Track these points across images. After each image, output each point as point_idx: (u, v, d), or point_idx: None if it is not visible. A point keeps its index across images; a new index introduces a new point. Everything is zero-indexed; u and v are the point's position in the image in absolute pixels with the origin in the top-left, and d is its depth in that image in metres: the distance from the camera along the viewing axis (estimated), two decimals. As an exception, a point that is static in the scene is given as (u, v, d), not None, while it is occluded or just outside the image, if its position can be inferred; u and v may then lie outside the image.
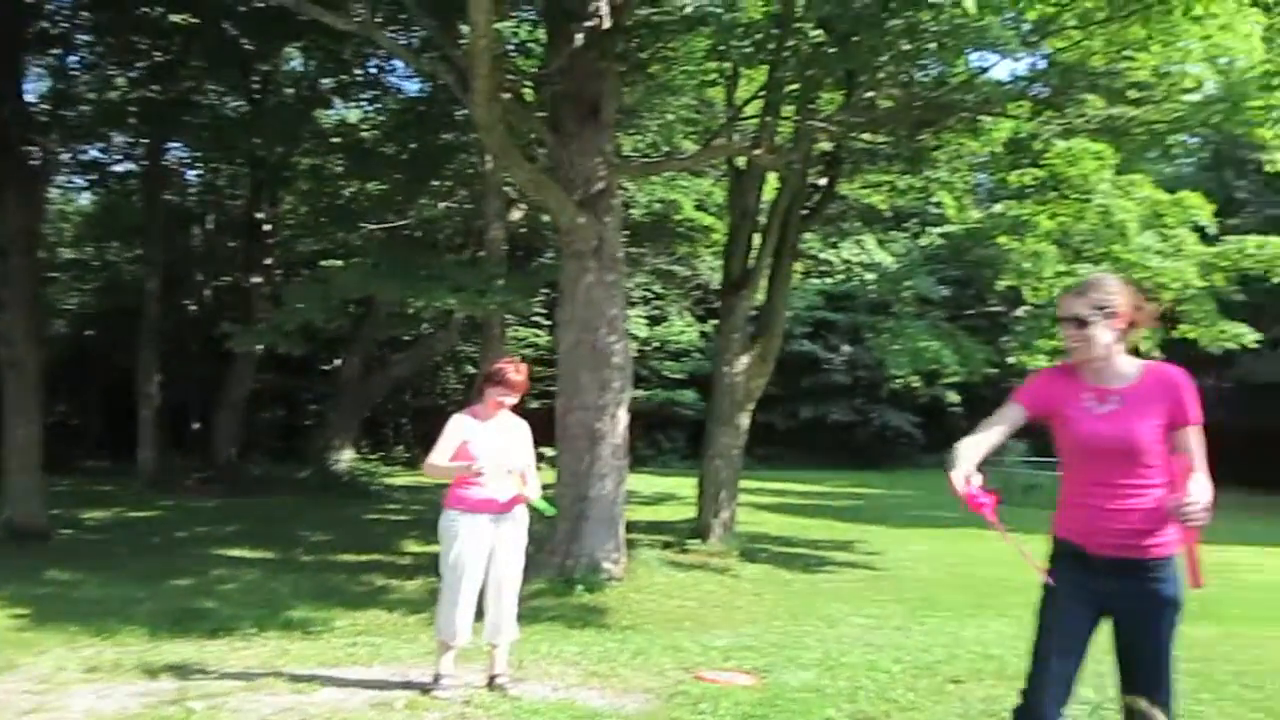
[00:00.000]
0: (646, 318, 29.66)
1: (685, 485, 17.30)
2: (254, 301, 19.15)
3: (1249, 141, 8.53)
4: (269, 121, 18.05)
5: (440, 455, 4.53)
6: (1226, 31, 7.47)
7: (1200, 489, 2.60)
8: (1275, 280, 11.63)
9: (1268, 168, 8.41)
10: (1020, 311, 12.97)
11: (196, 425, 23.78)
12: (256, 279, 19.77)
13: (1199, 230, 11.93)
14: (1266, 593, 10.51)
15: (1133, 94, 8.70)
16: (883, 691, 4.78)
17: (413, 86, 18.02)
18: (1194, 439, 2.73)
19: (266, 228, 20.24)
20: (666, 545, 11.98)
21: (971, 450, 2.74)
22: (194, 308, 25.01)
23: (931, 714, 4.37)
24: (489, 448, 4.56)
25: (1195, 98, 7.88)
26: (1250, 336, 11.84)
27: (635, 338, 27.06)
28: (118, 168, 20.82)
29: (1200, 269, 11.42)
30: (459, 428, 4.62)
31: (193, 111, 17.55)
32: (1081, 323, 2.77)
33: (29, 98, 14.58)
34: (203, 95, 17.86)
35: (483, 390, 4.73)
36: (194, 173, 23.60)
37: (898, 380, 13.19)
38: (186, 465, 19.72)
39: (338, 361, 22.95)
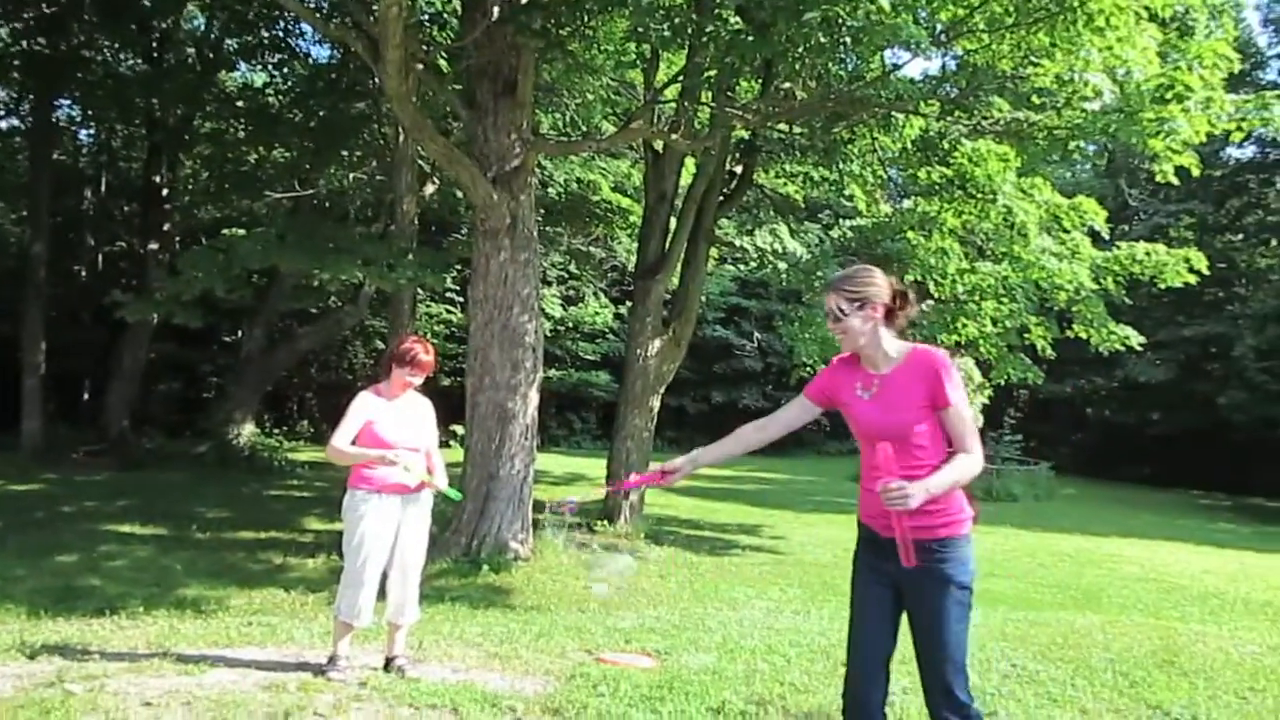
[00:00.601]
0: (561, 298, 29.60)
1: (596, 466, 17.35)
2: (150, 269, 18.32)
3: (1142, 151, 8.94)
4: (167, 82, 17.23)
5: (344, 437, 4.42)
6: (1125, 44, 7.82)
7: (956, 469, 2.69)
8: (1162, 286, 12.24)
9: (1158, 177, 8.83)
10: (925, 306, 13.38)
11: (86, 396, 22.72)
12: (153, 245, 18.90)
13: (1093, 235, 12.50)
14: (1146, 584, 11.11)
15: (1036, 99, 9.03)
16: (779, 674, 4.88)
17: (322, 52, 17.49)
18: (955, 420, 2.76)
19: (164, 192, 19.35)
20: (574, 526, 11.99)
21: (713, 448, 2.98)
22: (84, 274, 23.81)
23: (825, 696, 4.49)
24: (395, 430, 4.48)
25: (1094, 106, 8.21)
26: (1136, 339, 12.48)
27: (549, 318, 26.96)
28: (1, 123, 19.65)
29: (1093, 272, 11.97)
30: (364, 406, 4.52)
31: (84, 68, 16.65)
32: (838, 316, 2.87)
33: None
34: (96, 51, 16.96)
35: (390, 368, 4.62)
36: (86, 132, 22.46)
37: (806, 368, 13.42)
38: (75, 437, 18.78)
39: (239, 333, 22.20)
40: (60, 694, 3.90)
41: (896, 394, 2.80)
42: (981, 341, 12.38)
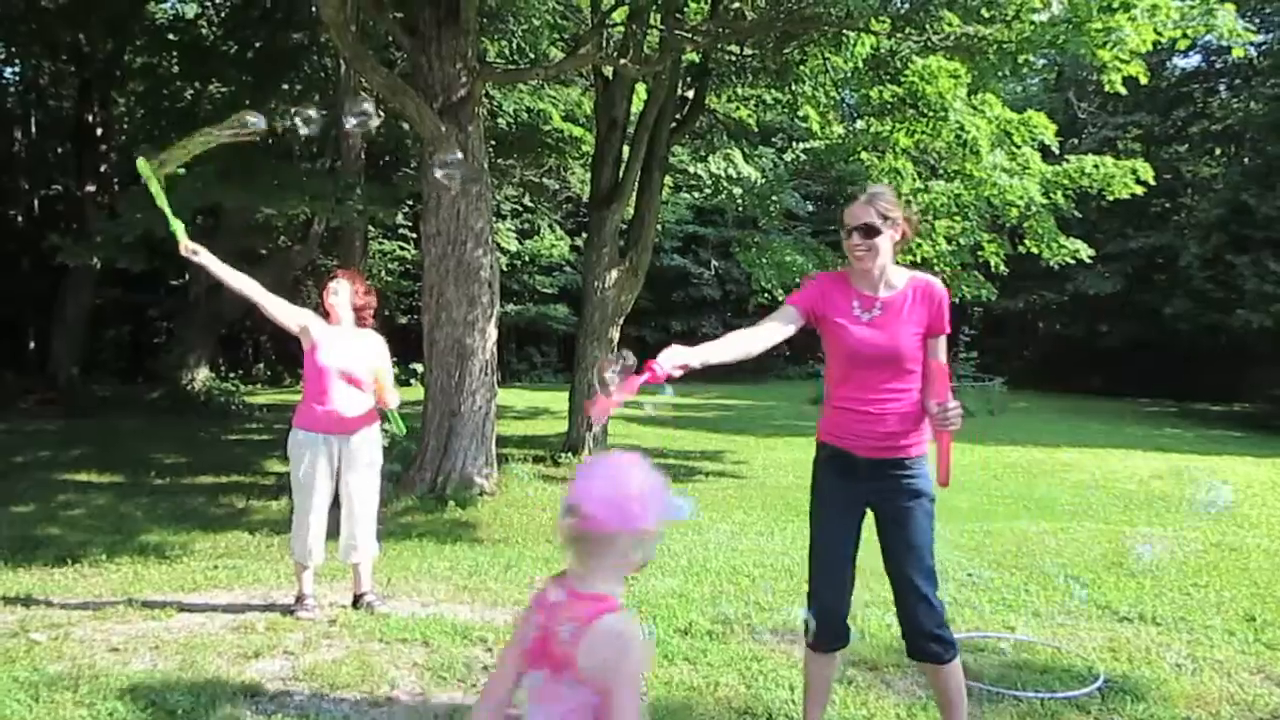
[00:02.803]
0: (516, 231, 29.22)
1: (558, 399, 17.38)
2: (88, 212, 17.74)
3: (1090, 63, 8.94)
4: (94, 14, 16.41)
5: (270, 299, 4.52)
6: (1073, -47, 7.76)
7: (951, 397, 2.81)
8: (1110, 198, 12.37)
9: (1107, 88, 8.86)
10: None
11: (32, 345, 22.15)
12: (90, 188, 18.27)
13: (1043, 149, 12.55)
14: (1096, 491, 11.45)
15: (986, 12, 8.94)
16: (744, 594, 5.01)
17: (257, -21, 16.72)
18: (943, 348, 2.90)
19: (99, 132, 18.62)
20: (539, 459, 12.06)
21: (709, 347, 2.76)
22: (20, 219, 22.98)
23: (788, 614, 4.62)
24: (335, 357, 4.45)
25: (1043, 18, 8.17)
26: (1085, 252, 12.65)
27: (505, 252, 26.64)
28: (-83, 61, 18.70)
29: (1043, 187, 12.05)
30: (307, 314, 4.61)
31: (5, 2, 15.81)
32: (872, 230, 2.84)
33: None
34: (15, -18, 16.11)
35: (360, 309, 4.64)
36: (11, 70, 21.43)
37: (765, 294, 13.45)
38: (22, 385, 18.37)
39: (186, 276, 21.68)
40: (25, 643, 3.89)
41: (898, 318, 2.84)
42: (936, 260, 12.47)
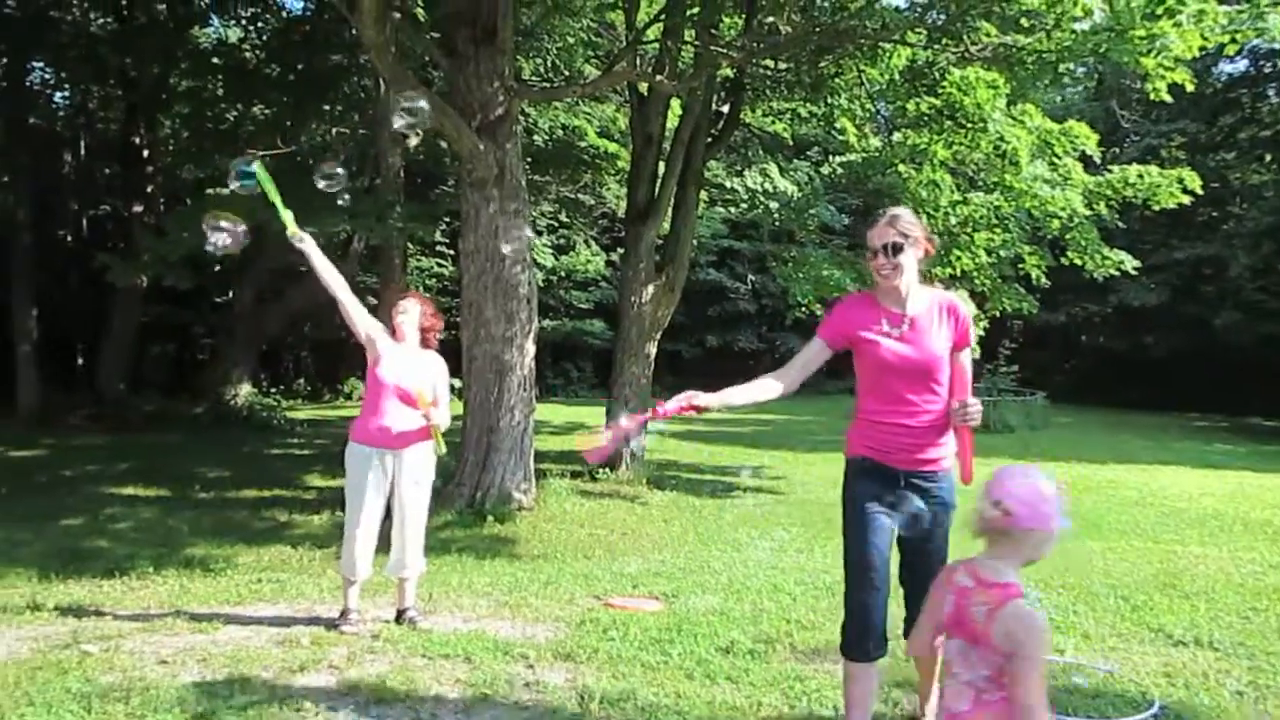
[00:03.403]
0: (552, 247, 29.38)
1: (595, 414, 17.41)
2: (136, 231, 18.15)
3: (1133, 71, 8.81)
4: (140, 40, 16.87)
5: (353, 301, 4.57)
6: (1115, -41, 7.66)
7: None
8: (1155, 208, 12.15)
9: (1151, 96, 8.71)
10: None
11: (80, 361, 22.65)
12: (137, 208, 18.69)
13: (1085, 159, 12.37)
14: (1144, 508, 11.22)
15: (1025, 21, 8.85)
16: (785, 612, 4.95)
17: (296, 3, 17.12)
18: (968, 361, 3.06)
19: (145, 153, 19.06)
20: (576, 475, 12.07)
21: (738, 390, 3.04)
22: (70, 239, 23.57)
23: (830, 633, 4.55)
24: (395, 374, 4.50)
25: (1084, 26, 8.07)
26: (1130, 263, 12.43)
27: (541, 267, 26.80)
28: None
29: (1085, 198, 11.87)
30: (381, 328, 4.63)
31: (55, 28, 16.28)
32: (896, 249, 2.94)
33: None
34: (65, 10, 16.58)
35: (425, 330, 4.69)
36: (61, 95, 22.03)
37: (801, 308, 13.38)
38: (71, 402, 18.79)
39: (230, 294, 22.07)
40: (77, 654, 3.95)
41: (926, 333, 2.97)
42: (976, 273, 12.33)
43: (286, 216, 4.41)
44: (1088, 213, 11.73)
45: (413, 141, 16.22)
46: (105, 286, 17.51)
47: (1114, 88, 30.79)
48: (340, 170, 5.03)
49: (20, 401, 17.67)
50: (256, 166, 4.38)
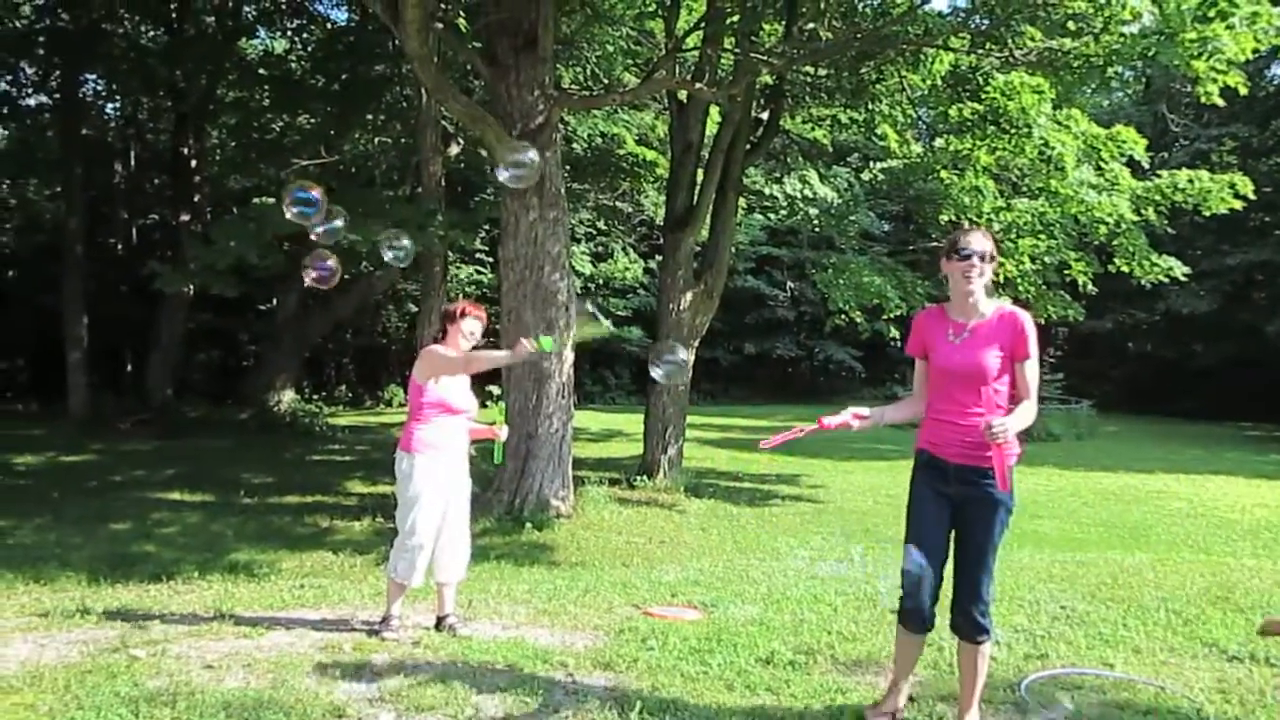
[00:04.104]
0: (590, 255, 29.46)
1: (632, 421, 17.42)
2: (183, 240, 18.52)
3: (1182, 74, 8.63)
4: (189, 51, 17.23)
5: (453, 357, 4.53)
6: (1165, -39, 7.51)
7: (1023, 414, 3.15)
8: (1206, 213, 11.89)
9: (1202, 99, 8.53)
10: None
11: (129, 367, 23.13)
12: (185, 217, 19.07)
13: (1132, 164, 12.14)
14: (1195, 520, 10.96)
15: (1071, 25, 8.71)
16: (826, 623, 4.89)
17: (340, 15, 17.37)
18: (1029, 372, 3.21)
19: (193, 163, 19.45)
20: (614, 482, 12.08)
21: (891, 409, 3.50)
22: (120, 247, 24.10)
23: (873, 644, 4.49)
24: (456, 394, 4.54)
25: (1132, 29, 7.92)
26: (1179, 270, 12.17)
27: (579, 275, 26.89)
28: (29, 101, 19.81)
29: (1133, 203, 11.64)
30: (446, 352, 4.59)
31: (107, 41, 16.68)
32: (990, 257, 3.23)
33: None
34: (117, 24, 16.99)
35: (446, 329, 4.64)
36: (112, 106, 22.58)
37: (841, 315, 13.27)
38: (120, 408, 19.20)
39: (274, 301, 22.42)
40: (125, 658, 4.00)
41: (982, 341, 3.23)
42: (1019, 280, 12.14)
43: (545, 343, 4.38)
44: (1135, 218, 11.51)
45: (453, 150, 16.38)
46: (153, 295, 17.90)
47: (1163, 91, 30.20)
48: (532, 159, 4.93)
49: (71, 407, 18.09)
50: (544, 342, 4.29)
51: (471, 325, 4.62)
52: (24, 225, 23.65)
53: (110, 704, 3.43)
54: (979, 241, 3.21)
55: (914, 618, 3.34)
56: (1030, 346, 3.19)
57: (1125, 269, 12.11)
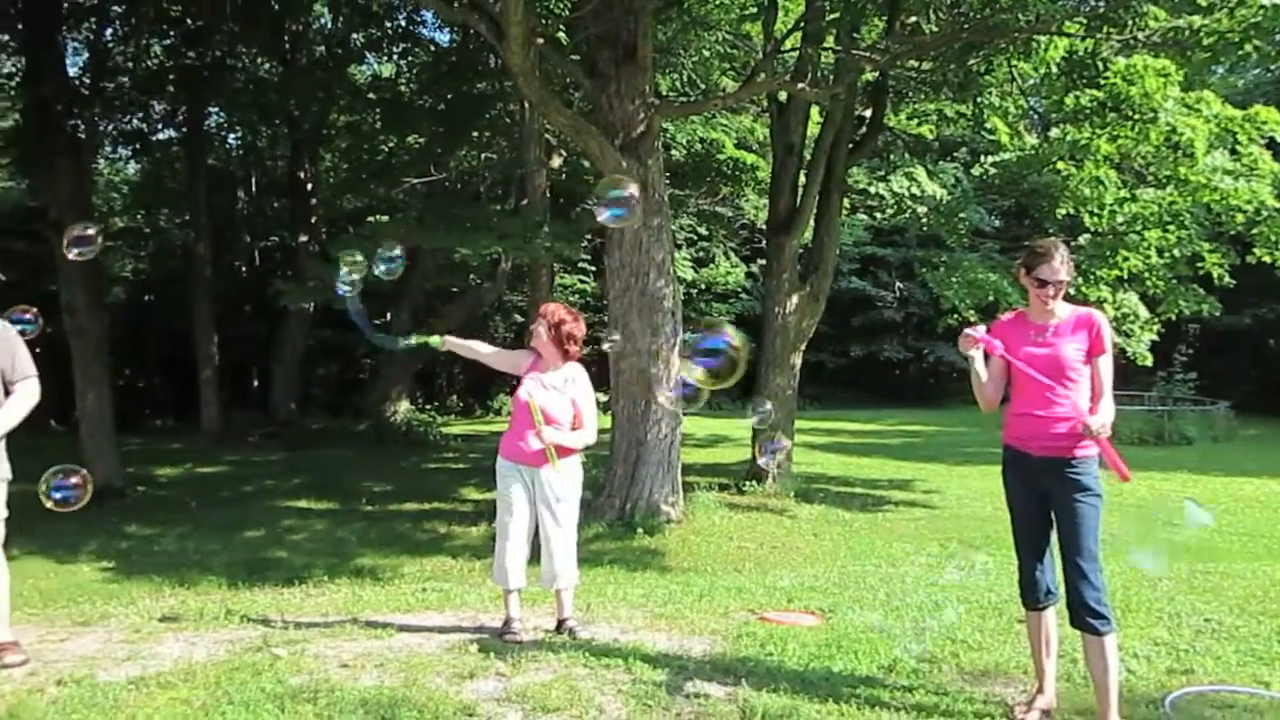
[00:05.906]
0: (692, 260, 29.45)
1: (739, 427, 17.31)
2: (302, 260, 19.39)
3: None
4: (303, 80, 18.06)
5: (493, 357, 4.81)
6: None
7: (1109, 407, 3.39)
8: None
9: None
10: (1082, 240, 12.53)
11: (255, 383, 24.32)
12: (303, 237, 19.97)
13: (1272, 146, 11.35)
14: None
15: (1202, 1, 8.21)
16: (949, 632, 4.74)
17: (444, 37, 17.87)
18: (1106, 366, 3.46)
19: (309, 186, 20.36)
20: (723, 487, 12.03)
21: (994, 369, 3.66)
22: (244, 269, 25.38)
23: (999, 654, 4.33)
24: (530, 388, 4.59)
25: (1274, 0, 7.40)
26: (1331, 260, 11.32)
27: (681, 281, 26.92)
28: (159, 136, 21.11)
29: (1275, 189, 10.87)
30: (523, 356, 4.75)
31: (228, 75, 17.62)
32: (1065, 285, 3.51)
33: (69, 72, 14.73)
34: (237, 59, 17.93)
35: (561, 343, 4.67)
36: (234, 136, 23.81)
37: (955, 315, 12.86)
38: (248, 421, 20.23)
39: (388, 315, 23.21)
40: (268, 657, 4.20)
41: (1061, 338, 3.49)
42: (1146, 275, 11.53)
43: (432, 340, 4.77)
44: (1278, 205, 10.76)
45: (556, 162, 16.64)
46: (276, 313, 18.78)
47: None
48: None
49: (204, 421, 19.15)
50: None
51: (533, 328, 4.80)
52: (156, 252, 25.17)
53: (258, 700, 3.60)
54: (1055, 270, 3.43)
55: (1027, 596, 3.62)
56: (1106, 343, 3.45)
57: (1266, 259, 11.31)
